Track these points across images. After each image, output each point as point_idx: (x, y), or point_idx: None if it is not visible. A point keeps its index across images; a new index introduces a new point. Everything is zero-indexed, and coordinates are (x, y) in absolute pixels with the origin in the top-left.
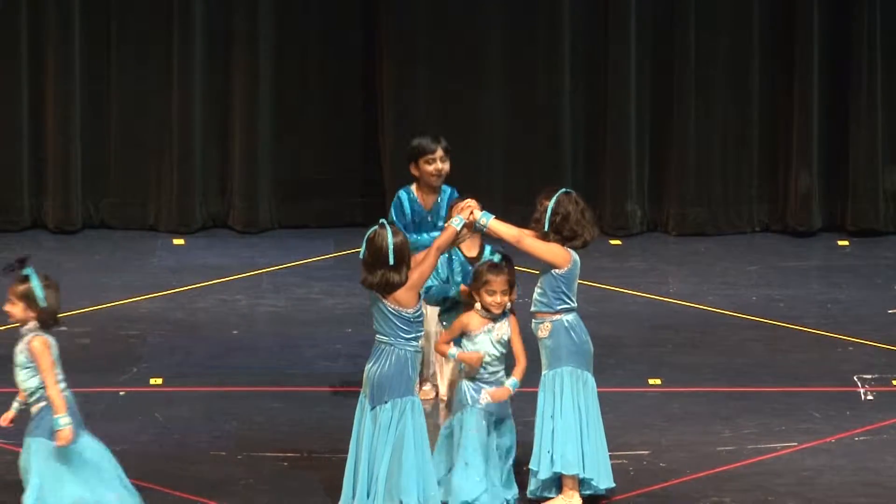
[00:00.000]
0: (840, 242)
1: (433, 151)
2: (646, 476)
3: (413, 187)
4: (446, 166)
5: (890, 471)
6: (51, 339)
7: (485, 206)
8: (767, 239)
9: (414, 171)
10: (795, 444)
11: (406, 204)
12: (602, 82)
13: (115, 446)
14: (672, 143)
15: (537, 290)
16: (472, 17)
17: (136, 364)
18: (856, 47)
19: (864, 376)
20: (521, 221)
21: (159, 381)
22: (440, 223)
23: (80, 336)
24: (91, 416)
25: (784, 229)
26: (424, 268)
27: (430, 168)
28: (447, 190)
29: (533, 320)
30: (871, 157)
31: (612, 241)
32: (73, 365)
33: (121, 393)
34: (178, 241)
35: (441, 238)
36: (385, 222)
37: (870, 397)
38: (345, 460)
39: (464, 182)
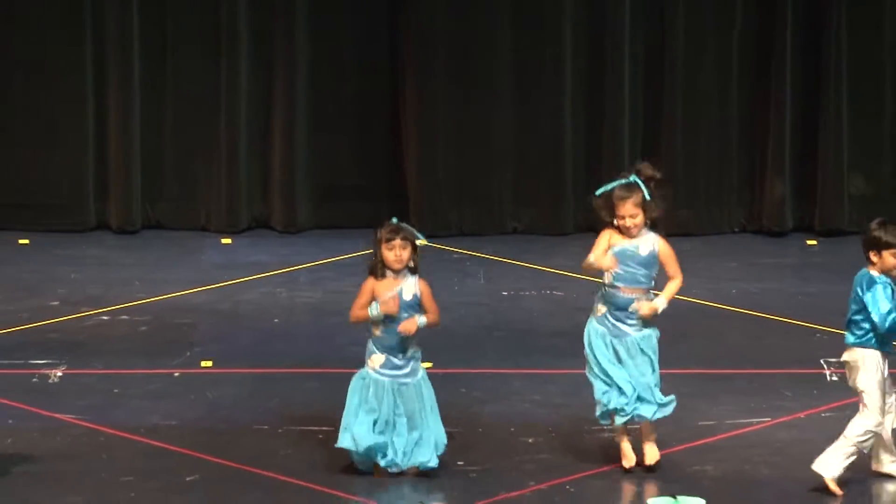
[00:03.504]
0: (809, 242)
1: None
2: (638, 447)
3: None
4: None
5: None
6: None
7: (495, 207)
8: (745, 239)
9: None
10: (769, 419)
11: None
12: (599, 99)
13: (171, 421)
14: (661, 152)
15: None
16: (485, 47)
17: (189, 349)
18: (824, 70)
19: (830, 360)
20: (525, 220)
21: (209, 363)
22: None
23: (140, 324)
24: (149, 394)
25: (760, 230)
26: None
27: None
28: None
29: None
30: (838, 165)
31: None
32: (134, 349)
33: (175, 374)
34: (226, 241)
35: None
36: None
37: (834, 378)
38: None
39: (477, 187)
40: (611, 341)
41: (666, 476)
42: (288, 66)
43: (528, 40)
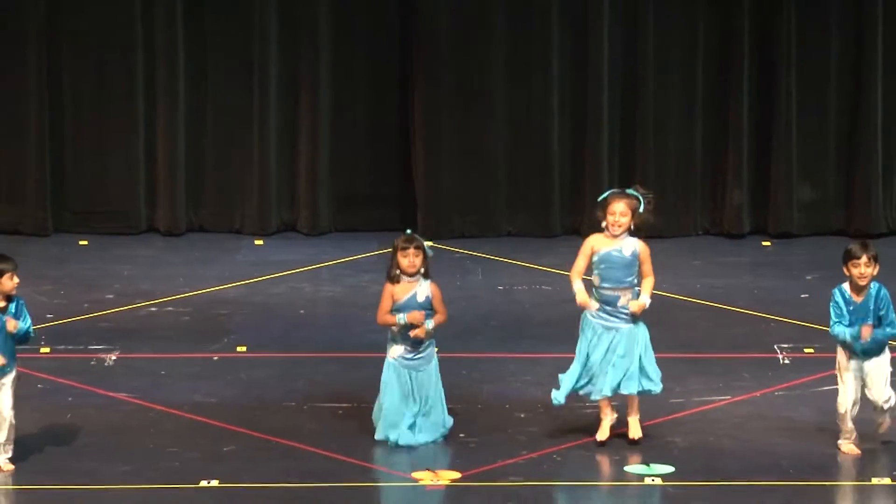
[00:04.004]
0: (764, 243)
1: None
2: (615, 422)
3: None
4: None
5: (801, 417)
6: None
7: (492, 213)
8: (708, 240)
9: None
10: (730, 397)
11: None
12: (581, 122)
13: (210, 398)
14: (636, 168)
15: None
16: (483, 77)
17: (226, 336)
18: (775, 96)
19: (783, 346)
20: (518, 224)
21: (244, 348)
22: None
23: (183, 315)
24: (191, 376)
25: (721, 233)
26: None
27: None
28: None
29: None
30: (788, 176)
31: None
32: (178, 337)
33: (214, 358)
34: (258, 242)
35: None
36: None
37: (787, 362)
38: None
39: (476, 196)
40: (602, 333)
41: (640, 446)
42: (312, 89)
43: (521, 71)
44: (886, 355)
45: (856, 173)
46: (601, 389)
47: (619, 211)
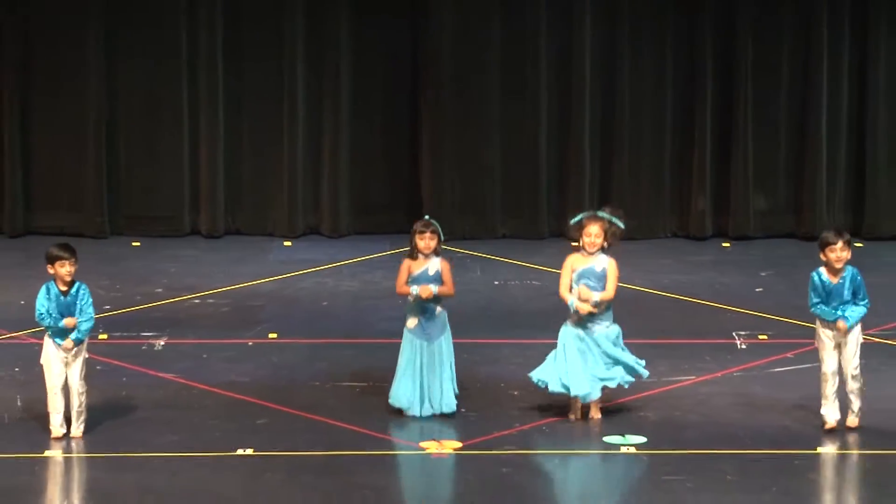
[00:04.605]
0: (724, 244)
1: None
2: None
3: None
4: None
5: (756, 395)
6: None
7: (488, 218)
8: (676, 242)
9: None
10: (694, 377)
11: None
12: (565, 139)
13: (245, 378)
14: (613, 177)
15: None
16: (482, 101)
17: (259, 324)
18: (734, 120)
19: (740, 332)
20: (511, 227)
21: (274, 335)
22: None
23: (222, 306)
24: (229, 358)
25: (687, 235)
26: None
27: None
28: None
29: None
30: (745, 187)
31: (574, 244)
32: (218, 325)
33: (249, 343)
34: (287, 243)
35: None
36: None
37: (743, 347)
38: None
39: (475, 203)
40: (581, 336)
41: (617, 420)
42: (333, 110)
43: (513, 97)
44: (858, 329)
45: (803, 184)
46: (589, 395)
47: (594, 233)
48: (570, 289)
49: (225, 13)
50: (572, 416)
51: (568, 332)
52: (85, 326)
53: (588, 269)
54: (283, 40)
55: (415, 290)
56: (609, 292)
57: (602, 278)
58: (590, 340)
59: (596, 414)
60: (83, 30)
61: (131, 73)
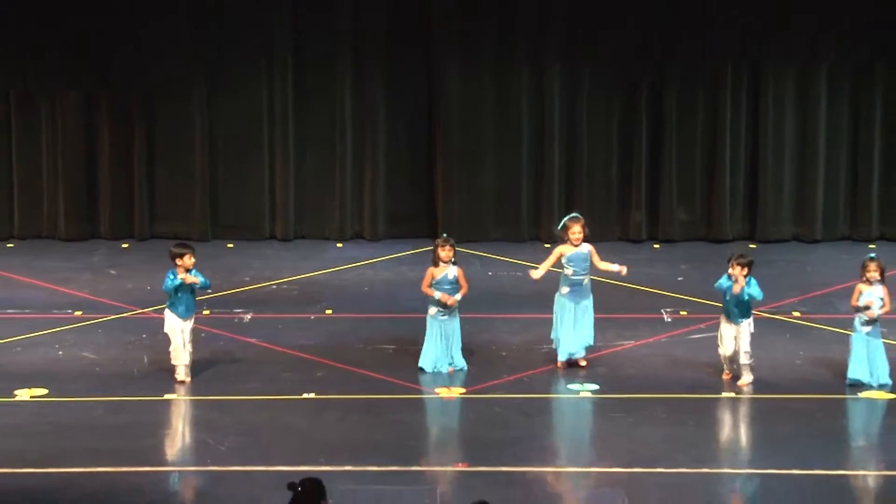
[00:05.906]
0: (655, 246)
1: None
2: (548, 359)
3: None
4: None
5: (678, 355)
6: None
7: (485, 224)
8: (619, 245)
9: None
10: (633, 342)
11: None
12: (540, 166)
13: (308, 342)
14: (575, 195)
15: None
16: (482, 131)
17: (318, 304)
18: (662, 148)
19: (667, 309)
20: (500, 233)
21: (330, 311)
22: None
23: (292, 290)
24: (297, 328)
25: (628, 239)
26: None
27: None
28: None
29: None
30: (669, 203)
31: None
32: (288, 304)
33: (311, 318)
34: (339, 245)
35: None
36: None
37: (669, 320)
38: (420, 351)
39: (474, 214)
40: (572, 308)
41: (577, 374)
42: (372, 146)
43: (504, 135)
44: (750, 320)
45: (712, 201)
46: (576, 352)
47: (578, 229)
48: (546, 270)
49: (295, 83)
50: (560, 366)
51: (563, 303)
52: (200, 280)
53: (576, 255)
54: (335, 98)
55: (437, 294)
56: (598, 263)
57: (587, 260)
58: (578, 311)
59: (583, 363)
60: (190, 91)
61: (227, 120)
